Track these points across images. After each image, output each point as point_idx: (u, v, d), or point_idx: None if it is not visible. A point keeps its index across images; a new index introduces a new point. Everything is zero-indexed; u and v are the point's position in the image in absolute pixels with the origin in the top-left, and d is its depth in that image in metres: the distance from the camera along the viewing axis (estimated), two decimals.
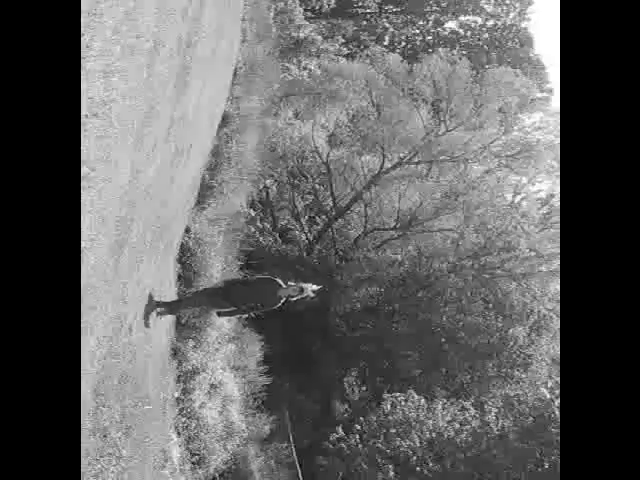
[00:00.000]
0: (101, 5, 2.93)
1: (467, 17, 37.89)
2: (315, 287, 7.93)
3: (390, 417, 14.00)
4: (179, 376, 8.93)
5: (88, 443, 4.34)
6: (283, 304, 7.81)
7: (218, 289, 7.98)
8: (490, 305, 19.70)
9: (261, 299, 7.74)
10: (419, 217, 20.51)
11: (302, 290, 7.66)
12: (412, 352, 19.61)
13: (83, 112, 2.96)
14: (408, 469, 13.08)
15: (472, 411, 14.32)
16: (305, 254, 21.43)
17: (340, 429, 14.43)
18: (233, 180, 11.31)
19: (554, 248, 19.36)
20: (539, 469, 12.50)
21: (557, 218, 20.64)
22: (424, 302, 20.18)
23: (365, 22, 37.44)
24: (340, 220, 22.45)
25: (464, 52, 30.46)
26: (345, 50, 26.11)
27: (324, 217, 23.07)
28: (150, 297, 7.12)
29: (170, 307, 7.95)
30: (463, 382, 19.43)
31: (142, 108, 4.15)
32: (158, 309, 7.51)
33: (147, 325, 7.08)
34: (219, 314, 8.23)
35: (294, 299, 7.73)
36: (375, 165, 22.02)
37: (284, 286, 7.69)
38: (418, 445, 13.33)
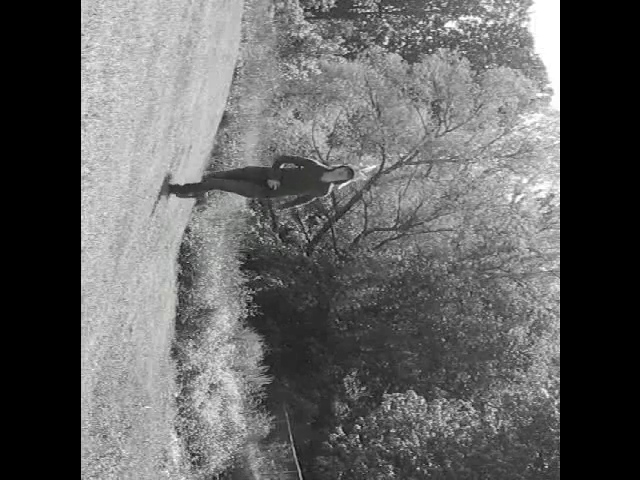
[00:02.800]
0: (101, 5, 2.93)
1: (467, 17, 37.89)
2: (368, 168, 6.93)
3: (390, 417, 14.01)
4: (179, 376, 8.93)
5: (88, 443, 4.35)
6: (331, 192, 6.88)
7: (255, 176, 6.70)
8: (490, 305, 19.72)
9: (304, 187, 6.68)
10: (419, 217, 20.53)
11: (352, 173, 6.54)
12: (412, 352, 19.63)
13: (83, 112, 2.96)
14: (408, 469, 13.09)
15: (472, 411, 14.34)
16: (305, 254, 21.44)
17: (340, 429, 14.44)
18: None
19: (554, 248, 19.37)
20: (539, 469, 12.51)
21: (557, 218, 20.64)
22: (424, 302, 20.20)
23: (365, 22, 37.43)
24: (340, 220, 22.46)
25: (464, 52, 30.42)
26: (345, 50, 26.09)
27: (324, 217, 23.08)
28: (169, 186, 6.27)
29: (189, 189, 6.84)
30: (463, 382, 19.45)
31: (142, 108, 4.14)
32: (178, 194, 6.62)
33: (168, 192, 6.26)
34: (266, 195, 6.89)
35: (344, 185, 6.79)
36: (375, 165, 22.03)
37: (328, 168, 6.68)
38: (418, 445, 13.34)
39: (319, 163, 6.83)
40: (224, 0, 8.08)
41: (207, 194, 7.05)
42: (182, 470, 8.63)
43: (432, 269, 19.85)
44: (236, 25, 11.10)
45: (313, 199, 7.39)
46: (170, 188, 6.43)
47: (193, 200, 9.70)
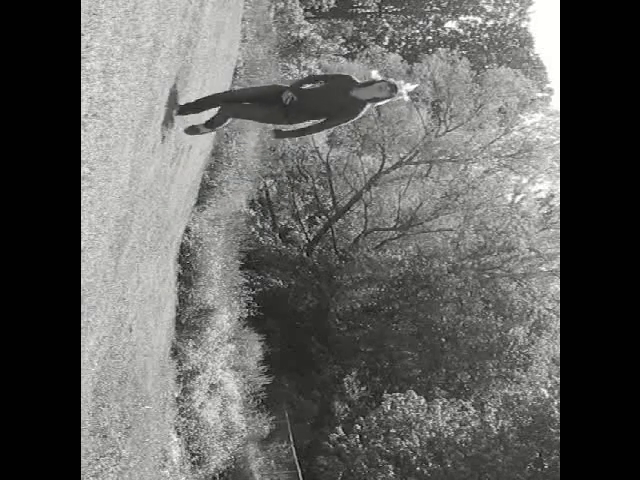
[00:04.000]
0: (101, 5, 2.93)
1: (467, 17, 37.89)
2: (411, 86, 5.47)
3: (390, 417, 14.01)
4: (179, 376, 8.93)
5: (88, 443, 4.35)
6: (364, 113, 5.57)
7: (271, 96, 5.50)
8: (490, 305, 19.71)
9: (330, 108, 5.42)
10: (419, 217, 20.53)
11: (395, 89, 5.26)
12: (412, 352, 19.62)
13: (83, 112, 2.96)
14: (408, 469, 13.09)
15: (472, 411, 14.34)
16: (305, 254, 21.44)
17: (340, 429, 14.44)
18: (233, 180, 11.31)
19: (554, 248, 19.37)
20: (539, 469, 12.51)
21: (557, 218, 20.64)
22: (424, 302, 20.20)
23: (365, 22, 37.44)
24: (340, 220, 22.46)
25: (464, 52, 30.44)
26: (345, 50, 26.11)
27: (324, 217, 23.08)
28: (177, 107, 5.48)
29: (196, 105, 5.79)
30: (463, 382, 19.45)
31: (142, 108, 4.15)
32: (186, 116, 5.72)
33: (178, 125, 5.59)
34: (277, 134, 5.95)
35: (382, 103, 5.55)
36: (375, 165, 22.03)
37: (365, 82, 5.39)
38: (418, 445, 13.34)
39: (353, 77, 5.52)
40: (224, 0, 8.08)
41: (225, 122, 5.71)
42: (182, 470, 8.63)
43: (432, 269, 19.85)
44: (236, 25, 11.10)
45: (333, 127, 6.02)
46: (180, 109, 5.55)
47: (193, 201, 9.71)
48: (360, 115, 5.54)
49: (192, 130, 5.98)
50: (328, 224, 22.08)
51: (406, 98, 5.51)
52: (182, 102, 5.67)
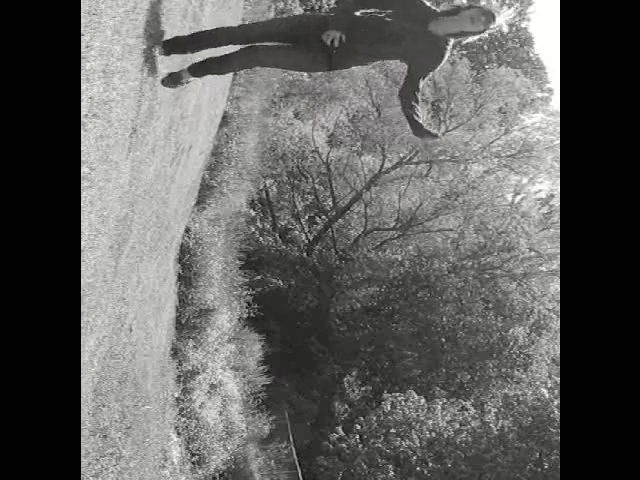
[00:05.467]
0: (101, 5, 2.93)
1: None
2: (509, 13, 4.00)
3: (390, 417, 14.01)
4: (179, 376, 8.93)
5: (88, 443, 4.35)
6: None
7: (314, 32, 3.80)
8: (490, 305, 19.72)
9: (394, 45, 3.79)
10: (419, 217, 20.55)
11: (492, 18, 3.71)
12: (412, 352, 19.63)
13: (83, 112, 2.96)
14: (408, 469, 13.09)
15: (472, 411, 14.35)
16: (305, 254, 21.44)
17: (340, 429, 14.45)
18: (233, 180, 11.32)
19: (554, 248, 19.37)
20: (539, 469, 12.51)
21: (557, 218, 20.65)
22: (424, 302, 20.20)
23: None
24: (340, 220, 22.47)
25: (464, 52, 30.43)
26: None
27: (324, 217, 23.09)
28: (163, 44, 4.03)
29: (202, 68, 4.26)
30: (463, 382, 19.45)
31: (142, 108, 4.14)
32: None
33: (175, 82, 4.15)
34: (326, 66, 3.98)
35: (470, 39, 4.01)
36: (375, 165, 22.04)
37: (447, 10, 3.77)
38: (418, 445, 13.35)
39: (427, 3, 3.85)
40: (224, 0, 8.08)
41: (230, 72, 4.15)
42: (182, 470, 8.63)
43: (432, 269, 19.86)
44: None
45: (418, 80, 3.88)
46: (166, 46, 4.00)
47: (193, 201, 9.70)
48: (444, 61, 3.85)
49: (171, 80, 4.19)
50: (328, 224, 22.08)
51: (504, 26, 3.71)
52: (169, 36, 4.03)
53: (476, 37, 3.99)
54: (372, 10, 3.99)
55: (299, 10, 19.68)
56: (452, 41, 3.89)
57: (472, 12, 3.73)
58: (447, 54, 3.88)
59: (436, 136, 4.03)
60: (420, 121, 3.86)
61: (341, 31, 3.75)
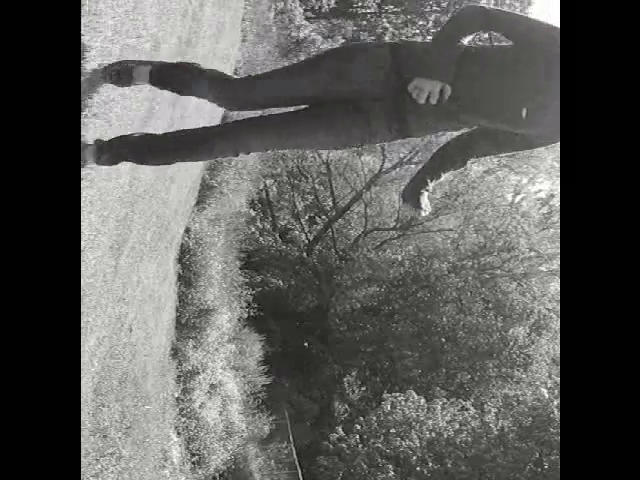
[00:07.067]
0: (101, 5, 2.93)
1: None
2: None
3: (390, 417, 14.02)
4: (179, 376, 8.93)
5: (88, 443, 4.34)
6: None
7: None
8: (490, 305, 19.72)
9: (517, 104, 2.46)
10: (419, 217, 20.54)
11: None
12: (412, 352, 19.63)
13: (83, 112, 2.96)
14: (408, 469, 13.10)
15: (472, 411, 14.35)
16: (305, 254, 21.44)
17: (340, 429, 14.45)
18: (233, 180, 11.32)
19: (554, 248, 19.37)
20: (539, 469, 12.51)
21: (557, 218, 20.65)
22: (424, 302, 20.20)
23: (365, 22, 37.41)
24: (340, 220, 22.47)
25: None
26: None
27: (324, 217, 23.09)
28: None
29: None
30: (463, 382, 19.45)
31: (142, 108, 4.14)
32: None
33: None
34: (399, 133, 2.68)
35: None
36: (375, 165, 22.03)
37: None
38: (418, 445, 13.35)
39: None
40: (224, 0, 8.08)
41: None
42: (182, 470, 8.63)
43: (432, 269, 19.86)
44: (236, 25, 11.09)
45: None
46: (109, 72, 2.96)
47: (193, 201, 9.71)
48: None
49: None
50: (328, 224, 22.08)
51: None
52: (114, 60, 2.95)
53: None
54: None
55: (299, 10, 19.65)
56: None
57: None
58: None
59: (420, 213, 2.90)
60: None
61: (446, 79, 2.41)
